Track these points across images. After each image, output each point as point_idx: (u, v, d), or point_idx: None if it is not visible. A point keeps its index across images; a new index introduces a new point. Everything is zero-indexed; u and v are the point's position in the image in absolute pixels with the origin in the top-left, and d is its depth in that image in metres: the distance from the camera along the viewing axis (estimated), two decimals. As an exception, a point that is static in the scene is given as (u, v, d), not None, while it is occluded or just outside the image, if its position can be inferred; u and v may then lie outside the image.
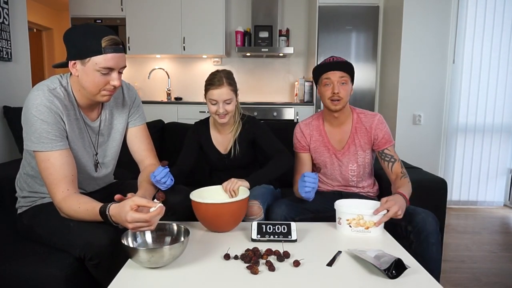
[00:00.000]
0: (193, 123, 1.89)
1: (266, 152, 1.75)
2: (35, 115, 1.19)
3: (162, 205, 1.10)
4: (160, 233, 1.19)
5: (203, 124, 1.85)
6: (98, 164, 1.44)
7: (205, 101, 1.70)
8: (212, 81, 1.65)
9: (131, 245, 1.11)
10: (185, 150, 1.80)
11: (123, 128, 1.49)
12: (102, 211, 1.14)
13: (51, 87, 1.25)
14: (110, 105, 1.44)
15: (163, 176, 1.37)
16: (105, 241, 1.15)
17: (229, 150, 1.78)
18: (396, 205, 1.31)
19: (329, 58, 1.65)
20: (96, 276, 1.21)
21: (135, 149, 1.53)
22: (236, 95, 1.70)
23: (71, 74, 1.29)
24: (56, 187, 1.21)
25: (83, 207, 1.18)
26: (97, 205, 1.17)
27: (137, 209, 1.08)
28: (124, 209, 1.08)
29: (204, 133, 1.82)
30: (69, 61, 1.23)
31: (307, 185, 1.45)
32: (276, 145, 1.74)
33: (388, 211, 1.31)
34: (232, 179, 1.53)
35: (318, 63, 3.82)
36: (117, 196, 1.14)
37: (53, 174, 1.21)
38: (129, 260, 1.12)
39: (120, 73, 1.28)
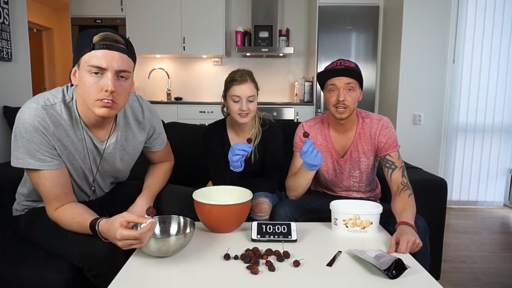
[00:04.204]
0: (194, 123, 1.87)
1: (265, 160, 1.75)
2: (21, 131, 1.08)
3: (153, 220, 1.06)
4: (167, 224, 1.23)
5: (219, 126, 1.77)
6: (95, 190, 1.35)
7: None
8: (235, 77, 1.62)
9: None
10: (213, 158, 1.71)
11: (136, 152, 1.41)
12: (92, 226, 1.10)
13: (49, 102, 1.11)
14: (124, 126, 1.30)
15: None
16: (103, 251, 1.11)
17: (249, 157, 1.73)
18: (405, 241, 1.18)
19: (336, 62, 1.53)
20: (96, 284, 1.18)
21: (152, 159, 1.54)
22: (257, 95, 1.67)
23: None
24: (48, 204, 1.18)
25: (76, 220, 1.13)
26: (89, 218, 1.12)
27: (127, 226, 1.03)
28: (114, 226, 1.02)
29: (222, 136, 1.75)
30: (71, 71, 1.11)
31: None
32: (276, 164, 1.74)
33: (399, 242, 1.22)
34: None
35: (318, 63, 3.92)
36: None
37: (44, 192, 1.16)
38: (136, 251, 1.15)
39: (120, 78, 1.09)
